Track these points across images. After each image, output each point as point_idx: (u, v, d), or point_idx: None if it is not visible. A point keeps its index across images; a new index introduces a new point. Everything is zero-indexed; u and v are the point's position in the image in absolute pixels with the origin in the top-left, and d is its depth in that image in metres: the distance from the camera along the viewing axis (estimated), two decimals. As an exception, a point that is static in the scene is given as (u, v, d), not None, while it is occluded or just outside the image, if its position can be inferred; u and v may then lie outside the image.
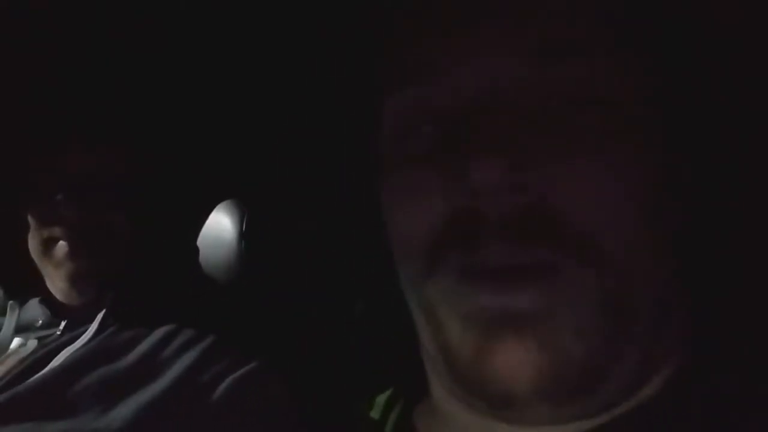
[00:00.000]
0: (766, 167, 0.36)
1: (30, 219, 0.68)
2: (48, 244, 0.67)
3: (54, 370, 0.61)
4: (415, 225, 0.32)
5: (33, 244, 0.68)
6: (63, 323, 0.68)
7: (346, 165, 0.61)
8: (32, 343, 0.68)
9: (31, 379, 0.60)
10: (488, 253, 0.28)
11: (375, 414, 0.41)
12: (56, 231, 0.66)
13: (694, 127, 0.33)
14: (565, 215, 0.28)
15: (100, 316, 0.66)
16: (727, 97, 0.34)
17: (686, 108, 0.33)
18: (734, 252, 0.37)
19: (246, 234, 0.80)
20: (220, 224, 0.84)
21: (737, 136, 0.35)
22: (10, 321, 0.70)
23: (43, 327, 0.70)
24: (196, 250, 0.77)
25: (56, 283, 0.68)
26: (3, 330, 0.70)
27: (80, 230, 0.65)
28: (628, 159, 0.29)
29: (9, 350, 0.68)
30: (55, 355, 0.64)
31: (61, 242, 0.66)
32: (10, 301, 0.72)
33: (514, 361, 0.28)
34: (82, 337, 0.65)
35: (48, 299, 0.70)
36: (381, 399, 0.42)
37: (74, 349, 0.63)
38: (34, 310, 0.71)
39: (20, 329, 0.70)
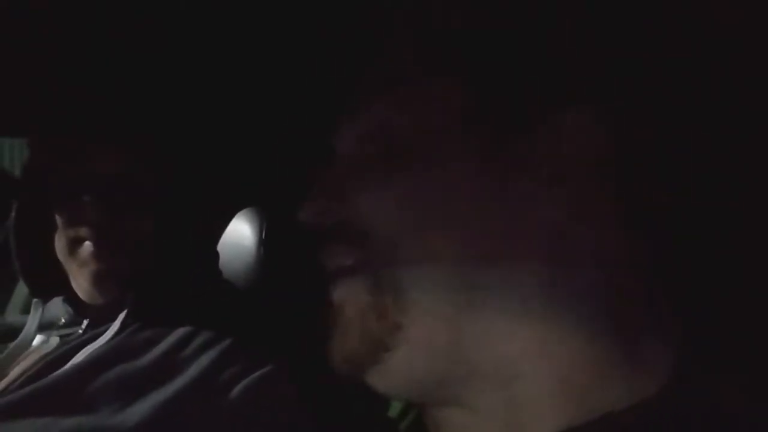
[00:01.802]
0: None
1: (57, 219, 0.69)
2: (74, 244, 0.68)
3: (74, 367, 0.62)
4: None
5: (59, 243, 0.69)
6: (85, 322, 0.69)
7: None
8: (54, 341, 0.69)
9: (51, 375, 0.61)
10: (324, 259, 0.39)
11: (393, 412, 0.42)
12: (82, 231, 0.67)
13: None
14: (357, 230, 0.36)
15: (122, 315, 0.66)
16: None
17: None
18: (719, 253, 0.37)
19: (266, 241, 0.81)
20: (241, 231, 0.86)
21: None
22: (33, 319, 0.71)
23: (65, 325, 0.71)
24: (217, 254, 0.78)
25: (80, 283, 0.68)
26: (26, 327, 0.71)
27: (105, 231, 0.66)
28: (414, 175, 0.35)
29: (31, 347, 0.70)
30: (76, 353, 0.65)
31: (87, 242, 0.67)
32: (35, 300, 0.72)
33: (335, 344, 0.38)
34: (104, 335, 0.66)
35: (71, 298, 0.71)
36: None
37: (95, 347, 0.64)
38: (57, 308, 0.72)
39: (43, 327, 0.71)
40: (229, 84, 0.69)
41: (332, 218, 0.38)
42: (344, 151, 0.40)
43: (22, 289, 1.01)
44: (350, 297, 0.37)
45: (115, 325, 0.66)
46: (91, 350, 0.64)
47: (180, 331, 0.65)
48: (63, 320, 0.71)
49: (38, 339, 0.71)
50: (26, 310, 0.92)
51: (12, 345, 0.69)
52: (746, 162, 0.36)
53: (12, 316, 0.96)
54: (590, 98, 0.33)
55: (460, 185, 0.35)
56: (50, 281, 0.72)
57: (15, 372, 0.66)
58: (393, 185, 0.36)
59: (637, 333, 0.33)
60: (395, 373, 0.36)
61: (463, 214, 0.34)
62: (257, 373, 0.60)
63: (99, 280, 0.67)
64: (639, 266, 0.34)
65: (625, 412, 0.31)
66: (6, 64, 0.58)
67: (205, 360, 0.61)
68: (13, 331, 0.72)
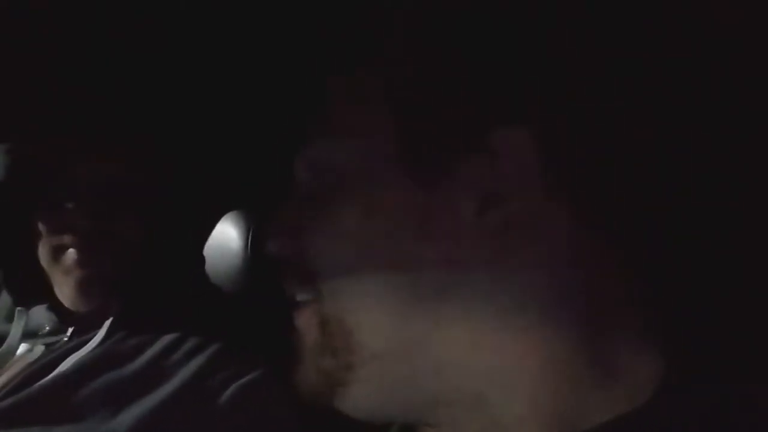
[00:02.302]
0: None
1: (40, 227, 0.68)
2: (57, 252, 0.67)
3: (61, 375, 0.61)
4: None
5: (43, 251, 0.68)
6: (70, 330, 0.68)
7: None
8: (39, 349, 0.68)
9: (38, 383, 0.61)
10: (289, 291, 0.41)
11: None
12: (66, 239, 0.66)
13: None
14: (306, 265, 0.38)
15: (107, 323, 0.66)
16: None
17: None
18: (710, 253, 0.37)
19: (253, 245, 0.81)
20: (227, 235, 0.85)
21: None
22: (17, 327, 0.70)
23: (50, 333, 0.70)
24: (203, 258, 0.77)
25: (65, 291, 0.68)
26: (10, 336, 0.70)
27: (89, 238, 0.66)
28: (349, 216, 0.36)
29: (16, 356, 0.69)
30: (62, 361, 0.64)
31: (71, 250, 0.66)
32: (18, 308, 0.72)
33: (299, 372, 0.39)
34: (90, 343, 0.65)
35: (55, 306, 0.70)
36: None
37: (81, 355, 0.64)
38: (41, 316, 0.72)
39: (27, 335, 0.70)
40: (214, 85, 0.68)
41: (288, 254, 0.39)
42: (300, 183, 0.41)
43: (6, 298, 0.99)
44: (305, 332, 0.39)
45: (101, 333, 0.66)
46: (77, 358, 0.64)
47: (167, 338, 0.64)
48: (47, 328, 0.70)
49: (23, 347, 0.70)
50: (10, 318, 0.90)
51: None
52: (739, 164, 0.36)
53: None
54: (523, 117, 0.33)
55: (402, 217, 0.35)
56: (34, 289, 0.71)
57: (0, 381, 0.65)
58: (337, 222, 0.37)
59: (616, 346, 0.33)
60: (354, 405, 0.37)
61: (407, 247, 0.34)
62: (246, 378, 0.60)
63: (83, 288, 0.67)
64: (614, 276, 0.33)
65: (605, 426, 0.31)
66: None
67: (193, 365, 0.61)
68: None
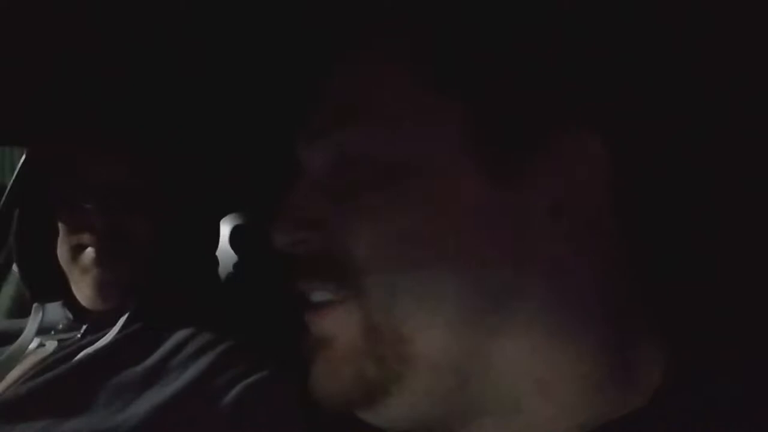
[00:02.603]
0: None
1: (60, 226, 0.69)
2: (76, 251, 0.68)
3: (70, 369, 0.63)
4: None
5: (62, 250, 0.70)
6: (84, 327, 0.70)
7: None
8: (52, 344, 0.69)
9: (47, 375, 0.62)
10: (300, 289, 0.37)
11: None
12: (84, 238, 0.67)
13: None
14: (342, 257, 0.34)
15: (121, 320, 0.67)
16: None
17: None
18: (712, 253, 0.38)
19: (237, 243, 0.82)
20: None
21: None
22: (33, 322, 0.71)
23: (63, 330, 0.71)
24: (216, 260, 0.78)
25: (82, 289, 0.69)
26: (26, 331, 0.71)
27: (108, 238, 0.67)
28: (398, 204, 0.33)
29: (28, 350, 0.70)
30: (74, 357, 0.65)
31: (89, 249, 0.67)
32: (35, 303, 0.73)
33: (321, 378, 0.36)
34: (102, 340, 0.66)
35: (70, 303, 0.72)
36: None
37: (93, 350, 0.65)
38: (56, 313, 0.73)
39: (41, 331, 0.72)
40: (228, 90, 0.69)
41: (311, 249, 0.35)
42: (317, 175, 0.37)
43: (6, 294, 1.00)
44: (341, 336, 0.34)
45: (115, 330, 0.67)
46: (88, 352, 0.65)
47: (177, 335, 0.65)
48: (61, 325, 0.72)
49: (36, 343, 0.71)
50: (9, 315, 0.92)
51: (10, 348, 0.70)
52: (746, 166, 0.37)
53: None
54: (594, 121, 0.32)
55: (469, 212, 0.32)
56: (51, 286, 0.72)
57: (12, 375, 0.67)
58: (389, 217, 0.33)
59: (628, 345, 0.33)
60: (394, 416, 0.34)
61: (472, 244, 0.32)
62: (252, 378, 0.61)
63: (101, 287, 0.68)
64: (627, 279, 0.33)
65: (614, 423, 0.31)
66: (6, 70, 0.58)
67: (202, 363, 0.62)
68: (5, 336, 0.73)
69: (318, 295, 0.36)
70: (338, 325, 0.35)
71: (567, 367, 0.32)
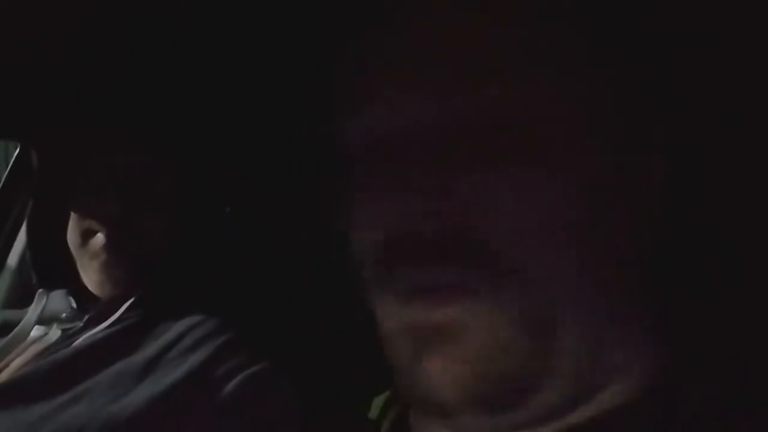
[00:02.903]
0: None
1: (74, 210, 0.71)
2: (86, 236, 0.69)
3: (71, 356, 0.63)
4: (361, 240, 0.34)
5: (72, 235, 0.71)
6: (86, 317, 0.70)
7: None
8: (55, 334, 0.70)
9: (47, 362, 0.63)
10: (417, 271, 0.31)
11: (372, 414, 0.42)
12: (95, 224, 0.68)
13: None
14: (483, 237, 0.30)
15: (124, 306, 0.68)
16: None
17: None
18: (706, 254, 0.37)
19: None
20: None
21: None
22: (35, 309, 0.73)
23: (67, 320, 0.72)
24: (224, 249, 0.79)
25: (89, 274, 0.70)
26: (26, 317, 0.72)
27: (120, 226, 0.68)
28: (548, 179, 0.30)
29: (30, 338, 0.71)
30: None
31: (99, 234, 0.68)
32: (39, 290, 0.74)
33: (440, 373, 0.31)
34: (102, 325, 0.67)
35: (75, 291, 0.73)
36: (379, 400, 0.43)
37: (92, 332, 0.66)
38: (60, 302, 0.74)
39: (45, 321, 0.72)
40: (240, 84, 0.69)
41: (440, 224, 0.30)
42: (439, 140, 0.31)
43: (2, 285, 1.01)
44: (478, 324, 0.30)
45: (116, 315, 0.68)
46: (87, 340, 0.66)
47: (178, 325, 0.66)
48: (65, 315, 0.72)
49: (38, 331, 0.72)
50: (6, 306, 0.92)
51: (11, 334, 0.71)
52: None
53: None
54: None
55: (592, 180, 0.30)
56: (59, 271, 0.73)
57: (15, 363, 0.68)
58: (530, 192, 0.30)
59: (624, 334, 0.32)
60: (533, 415, 0.31)
61: (583, 228, 0.30)
62: (253, 368, 0.61)
63: (108, 272, 0.69)
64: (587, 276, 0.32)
65: (604, 415, 0.31)
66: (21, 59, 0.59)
67: (202, 354, 0.62)
68: (8, 325, 0.74)
69: (443, 280, 0.31)
70: (471, 314, 0.30)
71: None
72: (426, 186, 0.30)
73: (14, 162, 0.91)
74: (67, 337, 0.69)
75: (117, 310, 0.69)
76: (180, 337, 0.65)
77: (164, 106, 0.69)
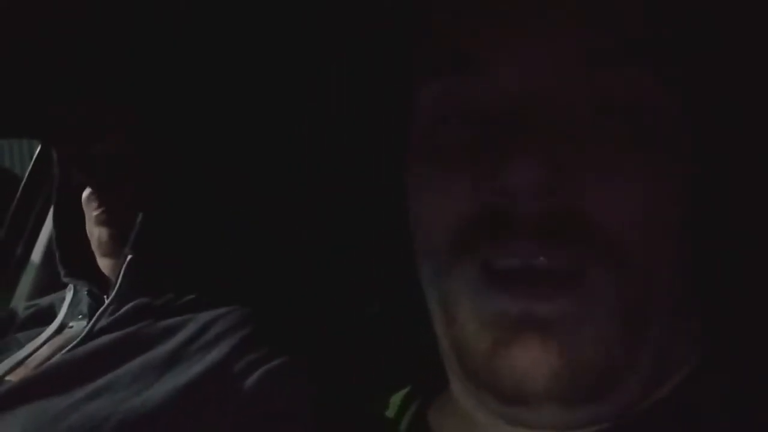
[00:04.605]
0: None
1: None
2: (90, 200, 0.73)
3: (95, 349, 0.64)
4: (441, 218, 0.32)
5: (89, 225, 0.74)
6: (107, 309, 0.71)
7: (365, 160, 0.61)
8: (79, 326, 0.72)
9: (71, 354, 0.64)
10: (514, 252, 0.29)
11: (390, 413, 0.41)
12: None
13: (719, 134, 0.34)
14: (595, 220, 0.29)
15: (123, 267, 0.69)
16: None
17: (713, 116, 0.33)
18: (747, 253, 0.37)
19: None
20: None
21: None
22: (66, 301, 0.75)
23: (90, 313, 0.74)
24: (237, 243, 0.79)
25: (94, 232, 0.73)
26: (61, 312, 0.75)
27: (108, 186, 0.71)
28: (661, 168, 0.30)
29: (52, 331, 0.73)
30: (98, 338, 0.66)
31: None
32: (69, 284, 0.76)
33: (530, 362, 0.29)
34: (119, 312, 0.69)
35: (94, 292, 0.75)
36: (397, 398, 0.42)
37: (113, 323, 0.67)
38: (85, 295, 0.76)
39: (70, 313, 0.75)
40: (232, 69, 0.69)
41: (552, 203, 0.29)
42: (565, 116, 0.30)
43: (26, 280, 1.03)
44: (579, 314, 0.29)
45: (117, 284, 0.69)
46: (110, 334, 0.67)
47: (200, 319, 0.66)
48: (87, 308, 0.74)
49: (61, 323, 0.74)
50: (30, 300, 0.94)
51: (47, 328, 0.73)
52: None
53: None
54: None
55: (688, 187, 0.30)
56: (84, 265, 0.76)
57: (41, 354, 0.70)
58: (646, 179, 0.29)
59: (663, 335, 0.31)
60: (619, 403, 0.30)
61: (682, 222, 0.30)
62: (273, 363, 0.61)
63: (105, 228, 0.71)
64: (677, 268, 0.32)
65: (642, 409, 0.31)
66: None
67: (223, 347, 0.62)
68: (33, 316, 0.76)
69: (546, 263, 0.29)
70: (578, 303, 0.29)
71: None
72: (537, 157, 0.28)
73: (36, 158, 0.93)
74: (91, 330, 0.69)
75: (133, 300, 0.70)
76: (202, 331, 0.65)
77: (164, 106, 0.70)
